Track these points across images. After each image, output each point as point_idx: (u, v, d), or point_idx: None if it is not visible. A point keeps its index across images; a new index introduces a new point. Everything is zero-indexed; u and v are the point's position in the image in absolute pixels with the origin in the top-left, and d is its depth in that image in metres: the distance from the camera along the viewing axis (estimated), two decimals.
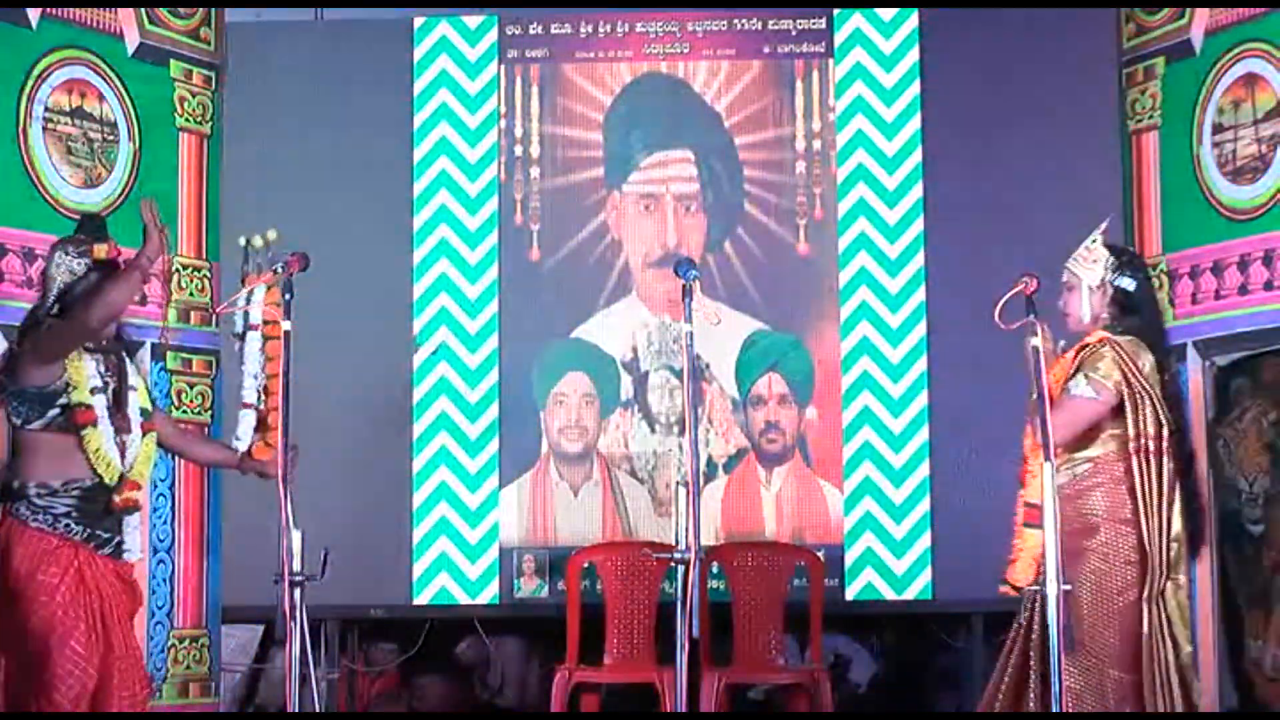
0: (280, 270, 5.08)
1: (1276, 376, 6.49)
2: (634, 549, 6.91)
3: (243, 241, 6.11)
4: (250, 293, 5.73)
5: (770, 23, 7.35)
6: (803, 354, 7.24)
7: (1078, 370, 5.02)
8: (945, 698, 7.58)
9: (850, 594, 7.09)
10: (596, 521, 7.19)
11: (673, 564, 4.66)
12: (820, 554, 7.01)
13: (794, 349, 7.25)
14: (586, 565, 6.96)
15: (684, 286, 4.85)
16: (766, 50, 7.36)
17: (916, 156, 7.23)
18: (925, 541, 7.07)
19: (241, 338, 5.65)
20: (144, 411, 5.08)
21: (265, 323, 5.76)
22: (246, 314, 5.70)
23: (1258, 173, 6.50)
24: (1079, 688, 4.86)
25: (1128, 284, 5.05)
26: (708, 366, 7.18)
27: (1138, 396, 4.94)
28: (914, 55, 7.28)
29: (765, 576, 6.95)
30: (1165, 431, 4.95)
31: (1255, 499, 6.44)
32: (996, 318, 4.97)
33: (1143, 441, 4.92)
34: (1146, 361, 5.01)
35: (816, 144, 7.30)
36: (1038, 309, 4.85)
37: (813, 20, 7.35)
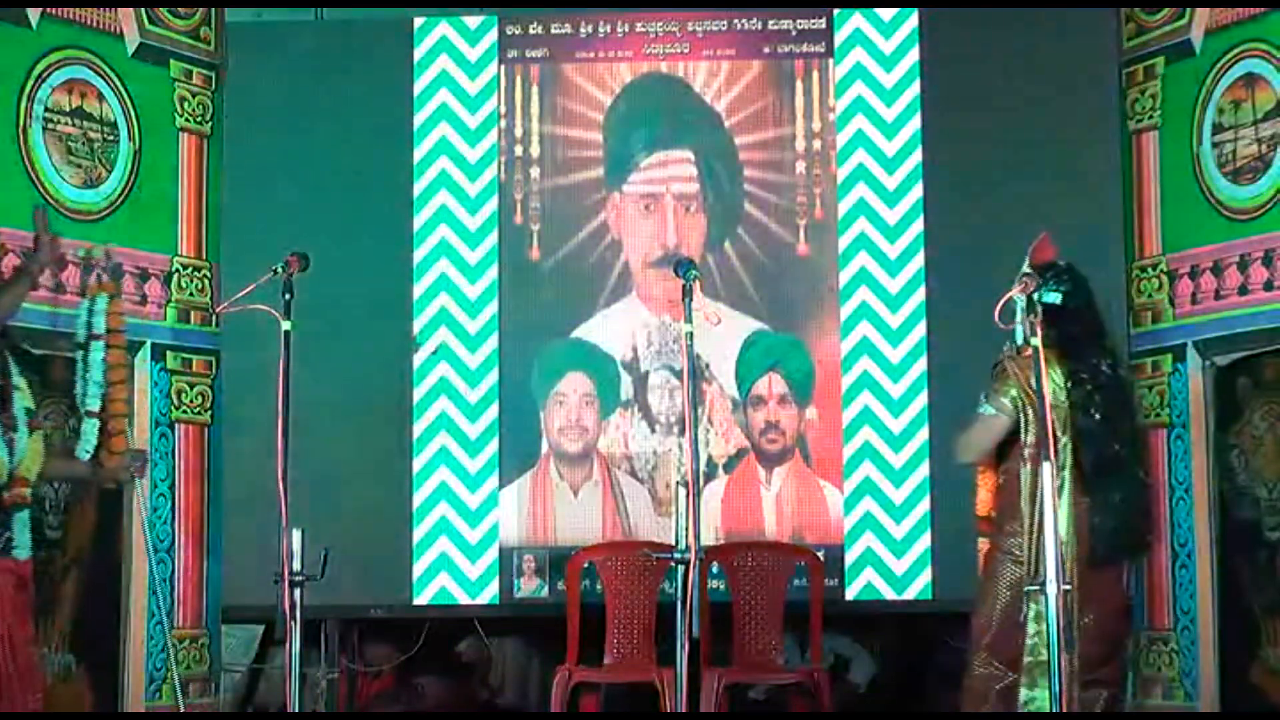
0: (280, 270, 5.09)
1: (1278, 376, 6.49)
2: (634, 549, 6.90)
3: (82, 253, 6.16)
4: (93, 302, 5.77)
5: (770, 23, 7.35)
6: (803, 354, 7.24)
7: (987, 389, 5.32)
8: (945, 698, 7.57)
9: (850, 594, 7.09)
10: (596, 521, 7.19)
11: (673, 564, 4.66)
12: (820, 554, 7.01)
13: (794, 349, 7.24)
14: (586, 565, 6.96)
15: (684, 286, 4.85)
16: (766, 50, 7.36)
17: (916, 156, 7.22)
18: (925, 541, 7.06)
19: (84, 347, 5.68)
20: (29, 410, 5.04)
21: (109, 331, 5.80)
22: (89, 324, 5.75)
23: (1258, 173, 6.50)
24: (971, 674, 5.28)
25: (1052, 298, 5.12)
26: (708, 366, 7.18)
27: (1026, 409, 5.18)
28: (914, 55, 7.27)
29: (765, 576, 6.95)
30: (1051, 440, 5.06)
31: (1274, 505, 6.40)
32: (996, 318, 4.99)
33: (1028, 451, 5.18)
34: (1046, 373, 5.11)
35: (816, 144, 7.30)
36: (1038, 309, 4.88)
37: (813, 20, 7.35)
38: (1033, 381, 5.16)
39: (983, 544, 5.46)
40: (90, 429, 5.53)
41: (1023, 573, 5.15)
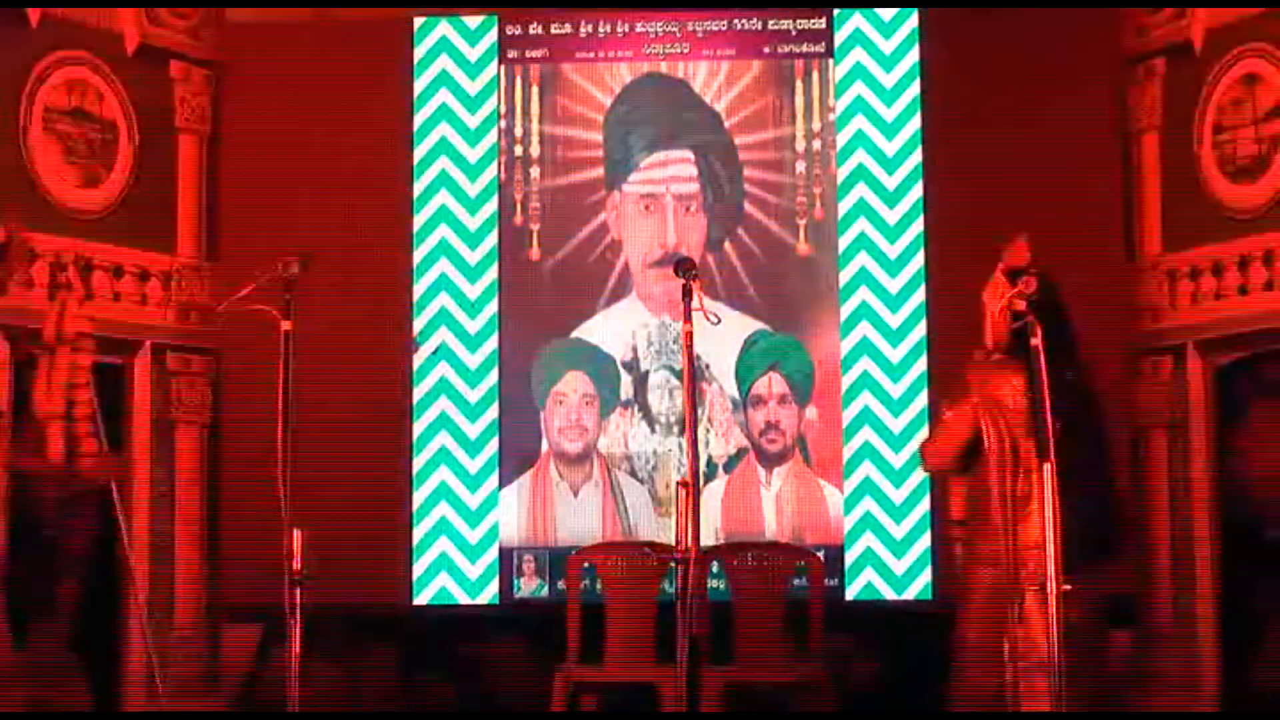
0: (280, 270, 5.08)
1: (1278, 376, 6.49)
2: (634, 549, 6.91)
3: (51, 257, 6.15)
4: (63, 305, 5.77)
5: (770, 23, 7.35)
6: (803, 354, 7.24)
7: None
8: (945, 698, 7.56)
9: (850, 594, 7.10)
10: (596, 521, 7.19)
11: (673, 564, 4.66)
12: (820, 554, 7.01)
13: (794, 349, 7.25)
14: (586, 565, 6.96)
15: (684, 286, 4.85)
16: (766, 50, 7.36)
17: (916, 156, 7.23)
18: (925, 541, 7.06)
19: (50, 350, 5.67)
20: None
21: (77, 335, 5.80)
22: (58, 326, 5.74)
23: (1258, 173, 6.50)
24: (960, 681, 5.37)
25: (1019, 305, 5.12)
26: (708, 366, 7.18)
27: (985, 414, 5.21)
28: (914, 55, 7.27)
29: (765, 576, 6.94)
30: (1007, 445, 5.16)
31: (1275, 505, 6.38)
32: (998, 319, 5.00)
33: (991, 457, 5.22)
34: (1004, 380, 5.13)
35: (816, 144, 7.30)
36: (1038, 309, 4.88)
37: (813, 20, 7.35)
38: (988, 387, 5.21)
39: (959, 549, 5.46)
40: (54, 433, 5.52)
41: (997, 575, 5.15)
